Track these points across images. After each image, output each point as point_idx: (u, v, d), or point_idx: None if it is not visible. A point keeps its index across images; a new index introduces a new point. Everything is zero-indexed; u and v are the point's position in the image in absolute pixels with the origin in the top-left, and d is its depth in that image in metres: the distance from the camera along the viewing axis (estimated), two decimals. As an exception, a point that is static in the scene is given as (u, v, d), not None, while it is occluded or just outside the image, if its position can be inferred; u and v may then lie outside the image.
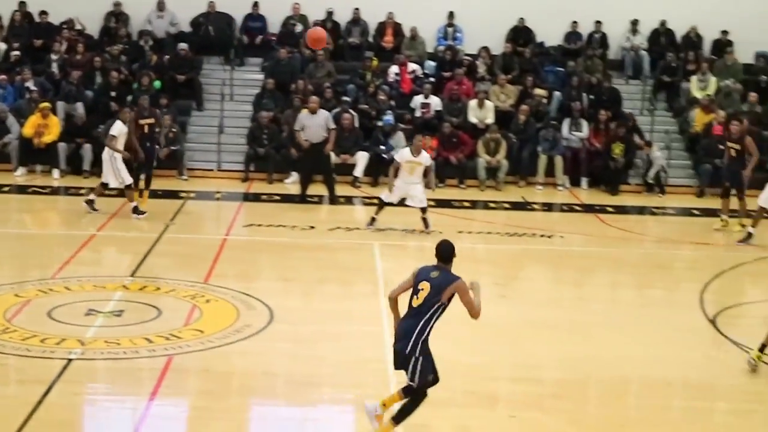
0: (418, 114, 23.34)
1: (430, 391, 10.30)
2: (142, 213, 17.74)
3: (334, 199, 20.05)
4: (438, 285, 8.66)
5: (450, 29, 25.90)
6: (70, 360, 10.78)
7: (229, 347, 11.48)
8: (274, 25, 25.87)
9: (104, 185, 17.99)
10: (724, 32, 25.89)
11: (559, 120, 23.31)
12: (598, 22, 26.03)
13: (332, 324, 12.62)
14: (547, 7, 25.72)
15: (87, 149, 21.79)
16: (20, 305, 12.64)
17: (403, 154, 17.58)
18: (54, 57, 24.02)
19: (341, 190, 20.58)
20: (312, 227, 17.87)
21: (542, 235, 18.00)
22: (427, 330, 8.72)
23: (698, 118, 23.49)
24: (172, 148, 21.56)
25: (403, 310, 8.86)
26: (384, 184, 21.88)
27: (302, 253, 16.30)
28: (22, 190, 20.84)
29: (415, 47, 25.39)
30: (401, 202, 17.68)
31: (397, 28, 25.68)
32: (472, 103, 23.31)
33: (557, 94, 24.20)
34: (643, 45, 26.02)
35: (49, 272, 14.22)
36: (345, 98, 23.19)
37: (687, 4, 26.03)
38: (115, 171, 17.65)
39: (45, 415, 9.38)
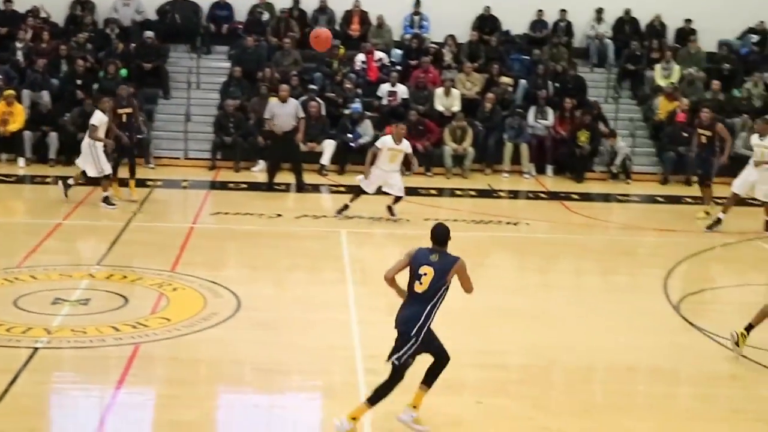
0: (384, 102, 23.33)
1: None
2: (113, 204, 17.63)
3: (301, 187, 20.02)
4: (441, 268, 8.70)
5: (416, 18, 25.89)
6: (36, 349, 10.72)
7: (197, 335, 11.45)
8: (240, 13, 25.77)
9: (84, 174, 17.87)
10: (688, 21, 26.01)
11: (525, 108, 23.36)
12: (563, 11, 26.10)
13: (299, 311, 12.61)
14: (513, -4, 25.81)
15: (53, 137, 21.64)
16: (-14, 294, 12.57)
17: (384, 142, 17.51)
18: (19, 45, 23.81)
19: (308, 178, 20.55)
20: (279, 215, 17.84)
21: (508, 223, 18.04)
22: (434, 314, 8.77)
23: (662, 106, 23.61)
24: (138, 136, 21.40)
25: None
26: (351, 171, 21.93)
27: (269, 240, 16.27)
28: (-13, 178, 20.71)
29: (381, 35, 25.36)
30: (378, 190, 17.65)
31: (364, 17, 25.64)
32: (439, 91, 23.32)
33: (523, 82, 24.25)
34: (608, 33, 26.10)
35: (15, 261, 14.11)
36: (312, 86, 23.14)
37: (651, -7, 26.18)
38: (94, 160, 17.53)
39: (11, 404, 9.33)
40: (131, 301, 12.50)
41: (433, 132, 22.48)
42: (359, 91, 23.44)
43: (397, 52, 25.02)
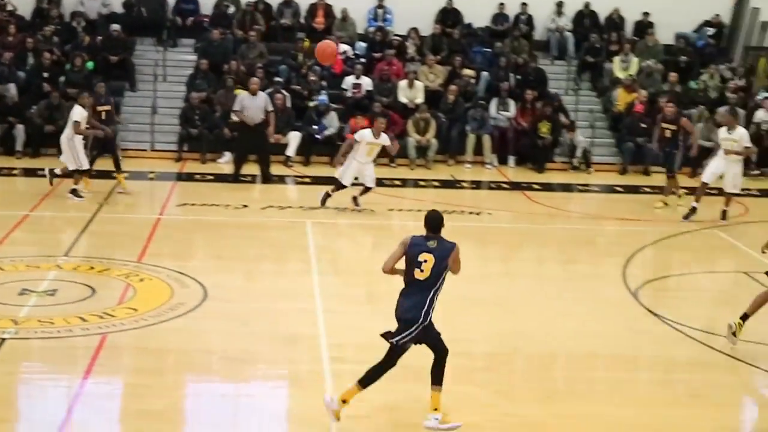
0: (349, 94, 23.27)
1: (362, 365, 10.28)
2: (81, 197, 17.48)
3: (267, 179, 19.93)
4: (441, 254, 8.72)
5: (380, 11, 25.83)
6: (3, 339, 10.63)
7: (164, 325, 11.39)
8: (206, 6, 25.59)
9: (76, 170, 17.80)
10: (646, 14, 26.10)
11: (487, 100, 23.37)
12: (524, 4, 26.11)
13: (266, 301, 12.58)
14: (475, -11, 25.80)
15: (19, 130, 21.43)
16: (-47, 286, 12.44)
17: (364, 135, 17.46)
18: (-15, 38, 23.56)
19: (273, 169, 20.44)
20: (245, 206, 17.76)
21: (471, 212, 18.05)
22: (436, 299, 8.77)
23: (621, 98, 23.69)
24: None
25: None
26: (317, 163, 21.90)
27: (236, 231, 16.20)
28: (-46, 170, 20.49)
29: (345, 28, 25.29)
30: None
31: (328, 10, 25.54)
32: (402, 83, 23.29)
33: (485, 74, 24.26)
34: (568, 26, 26.15)
35: (-17, 252, 13.99)
36: (277, 79, 23.05)
37: (610, -13, 26.25)
38: (73, 154, 17.39)
39: (-21, 394, 9.25)
40: (98, 292, 12.41)
41: (396, 123, 22.44)
42: (324, 83, 23.37)
43: (362, 45, 24.97)
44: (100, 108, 18.33)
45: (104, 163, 18.66)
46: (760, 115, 22.75)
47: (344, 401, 8.77)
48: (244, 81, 22.32)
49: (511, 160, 22.83)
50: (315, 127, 22.16)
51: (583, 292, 13.67)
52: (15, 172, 19.76)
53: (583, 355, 11.26)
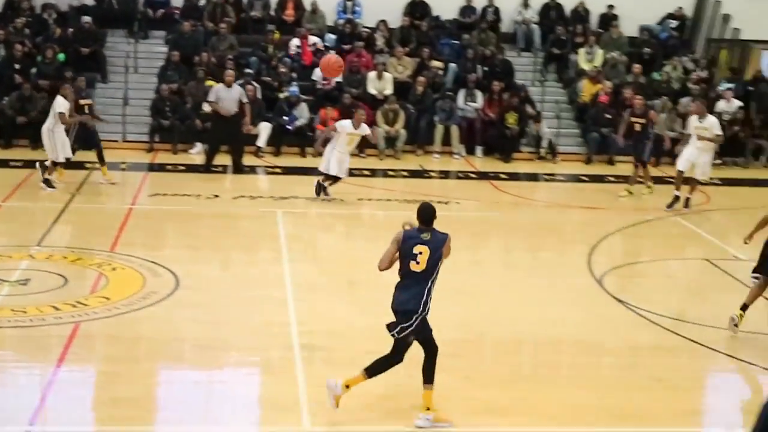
0: (319, 86, 23.26)
1: (333, 352, 10.39)
2: (53, 187, 17.40)
3: (238, 169, 19.92)
4: (435, 245, 8.73)
5: (349, 3, 25.79)
6: (-23, 329, 10.59)
7: (136, 313, 11.38)
8: (177, -2, 25.52)
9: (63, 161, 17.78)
10: (610, 6, 26.19)
11: (455, 91, 23.42)
12: (492, -3, 26.18)
13: (237, 290, 12.59)
14: (443, -18, 25.81)
15: (-9, 121, 21.32)
16: (-74, 276, 12.37)
17: (344, 126, 17.47)
18: (-43, 30, 23.37)
19: (244, 159, 20.39)
20: (216, 196, 17.73)
21: (439, 202, 18.01)
22: (433, 289, 8.78)
23: (586, 89, 23.80)
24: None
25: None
26: (287, 153, 21.88)
27: (207, 221, 16.19)
28: (-74, 162, 20.33)
29: (315, 21, 25.25)
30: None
31: (298, 2, 25.47)
32: (371, 74, 23.29)
33: (453, 65, 24.29)
34: (534, 19, 26.21)
35: (-45, 243, 13.92)
36: (248, 70, 22.99)
37: (575, -20, 26.33)
38: (53, 145, 17.33)
39: (-47, 383, 9.22)
40: (71, 281, 12.38)
41: (366, 114, 22.42)
42: (294, 75, 23.35)
43: (331, 37, 24.94)
44: (82, 102, 18.36)
45: (78, 155, 18.59)
46: (721, 105, 22.91)
47: (348, 386, 8.77)
48: (215, 73, 22.29)
49: (479, 150, 22.90)
50: (286, 118, 22.14)
51: (548, 279, 13.75)
52: (-13, 163, 19.65)
53: (549, 340, 11.34)
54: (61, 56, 22.84)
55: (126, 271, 12.92)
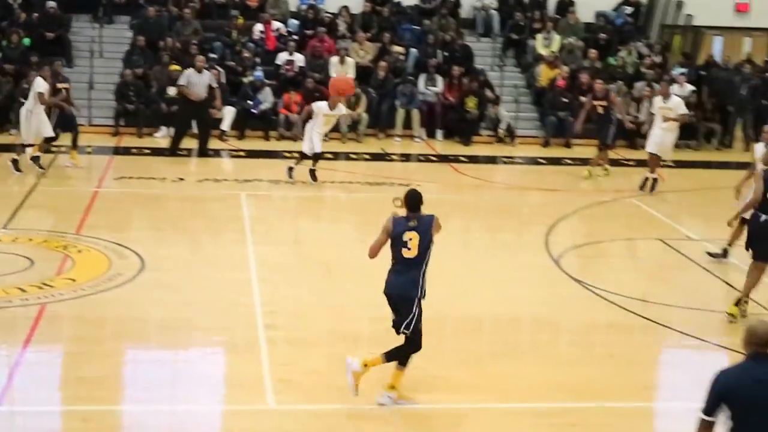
0: (282, 70, 23.16)
1: (296, 332, 10.38)
2: (20, 171, 17.25)
3: (203, 152, 19.83)
4: (423, 229, 8.72)
5: (312, -11, 25.70)
6: (-57, 311, 10.49)
7: (102, 295, 11.32)
8: (141, -16, 25.27)
9: (46, 140, 17.52)
10: (567, -7, 26.30)
11: (416, 75, 23.40)
12: (451, -17, 26.15)
13: (202, 271, 12.55)
14: (404, -31, 25.76)
15: (-43, 105, 21.07)
16: None
17: (320, 107, 17.40)
18: None
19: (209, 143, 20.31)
20: (181, 179, 17.65)
21: (400, 184, 17.97)
22: (426, 272, 8.76)
23: (544, 74, 23.85)
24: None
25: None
26: (251, 137, 21.78)
27: (172, 204, 16.12)
28: None
29: (278, 6, 25.11)
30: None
31: (262, -12, 25.37)
32: (334, 59, 23.22)
33: (414, 51, 24.27)
34: (493, 5, 26.22)
35: None
36: (212, 55, 22.84)
37: (533, -33, 26.35)
38: (30, 126, 17.18)
39: None
40: (37, 263, 12.29)
41: (328, 98, 22.35)
42: (258, 59, 23.25)
43: (294, 23, 24.83)
44: (60, 85, 18.25)
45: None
46: (674, 89, 22.98)
47: (366, 365, 8.75)
48: (179, 57, 22.15)
49: (439, 133, 22.90)
50: (250, 102, 22.05)
51: (507, 259, 13.81)
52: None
53: (508, 319, 11.40)
54: (26, 41, 22.60)
55: (92, 253, 12.84)
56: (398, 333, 8.80)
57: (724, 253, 13.62)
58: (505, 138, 22.68)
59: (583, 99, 21.41)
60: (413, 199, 8.84)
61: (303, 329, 10.67)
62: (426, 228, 8.71)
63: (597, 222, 16.53)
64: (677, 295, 12.51)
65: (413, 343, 8.80)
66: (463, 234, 15.61)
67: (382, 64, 23.18)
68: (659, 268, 14.04)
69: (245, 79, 22.52)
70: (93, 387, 8.99)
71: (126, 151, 20.24)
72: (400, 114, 22.61)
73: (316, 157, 17.37)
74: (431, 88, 23.14)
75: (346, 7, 25.01)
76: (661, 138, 17.91)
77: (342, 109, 17.66)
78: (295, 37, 24.11)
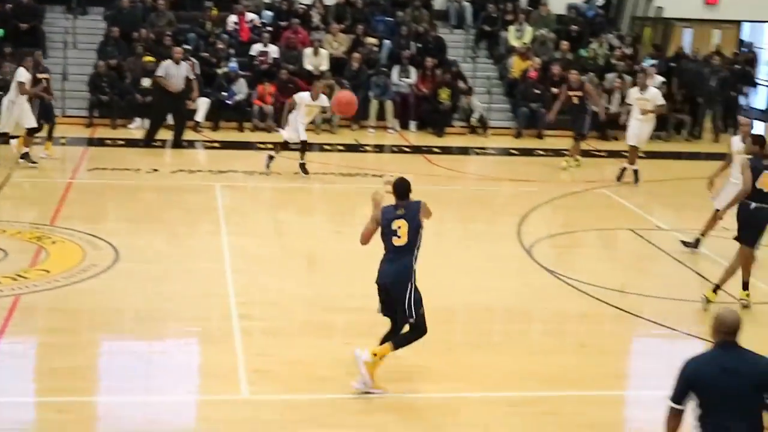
0: (256, 62, 23.07)
1: (270, 322, 10.36)
2: (34, 162, 17.17)
3: (178, 144, 19.75)
4: (411, 216, 8.79)
5: (285, -19, 25.60)
6: None
7: (76, 286, 11.25)
8: (115, -25, 25.09)
9: (30, 131, 17.36)
10: (539, -15, 26.32)
11: (389, 67, 23.37)
12: (424, -25, 26.11)
13: (176, 262, 12.50)
14: (377, -39, 25.69)
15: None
16: None
17: (302, 98, 17.36)
18: None
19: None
20: (155, 170, 17.56)
21: (374, 175, 18.06)
22: (417, 258, 8.84)
23: (516, 65, 23.87)
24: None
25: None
26: (225, 128, 21.69)
27: (146, 195, 16.04)
28: None
29: (252, -2, 25.03)
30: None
31: (235, -21, 25.24)
32: (308, 51, 23.16)
33: (387, 42, 24.23)
34: (466, -3, 26.26)
35: None
36: (186, 46, 22.70)
37: (505, -41, 26.34)
38: (9, 115, 17.04)
39: None
40: (11, 254, 12.20)
41: (302, 90, 22.31)
42: (232, 51, 23.14)
43: (268, 14, 24.73)
44: (40, 75, 18.12)
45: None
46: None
47: (375, 354, 8.74)
48: (153, 49, 22.02)
49: (413, 124, 22.88)
50: (225, 93, 21.95)
51: (480, 249, 13.82)
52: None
53: (481, 309, 11.42)
54: (0, 32, 22.40)
55: (66, 244, 12.76)
56: (407, 321, 8.81)
57: (696, 243, 13.68)
58: (477, 129, 22.70)
59: (555, 90, 21.51)
60: (401, 188, 8.92)
61: (278, 319, 10.65)
62: (414, 214, 8.76)
63: (569, 212, 16.57)
64: (648, 285, 12.57)
65: (418, 329, 8.84)
66: (436, 225, 15.50)
67: (356, 55, 23.14)
68: (630, 258, 14.10)
69: (219, 71, 22.41)
70: (68, 378, 8.94)
71: (100, 142, 20.10)
72: (374, 105, 22.58)
73: (303, 147, 17.33)
74: (404, 80, 23.12)
75: (319, -1, 24.95)
76: (638, 129, 17.96)
77: (324, 100, 17.60)
78: (269, 28, 24.01)
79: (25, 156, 17.22)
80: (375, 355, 8.73)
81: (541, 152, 21.01)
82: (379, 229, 8.93)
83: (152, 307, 10.81)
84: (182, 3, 24.71)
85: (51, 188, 16.07)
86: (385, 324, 10.49)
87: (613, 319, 11.22)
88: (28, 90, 17.15)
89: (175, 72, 19.65)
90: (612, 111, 22.38)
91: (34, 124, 17.35)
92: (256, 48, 23.19)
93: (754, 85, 27.23)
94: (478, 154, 21.25)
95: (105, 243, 12.80)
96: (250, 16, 24.07)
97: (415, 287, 8.83)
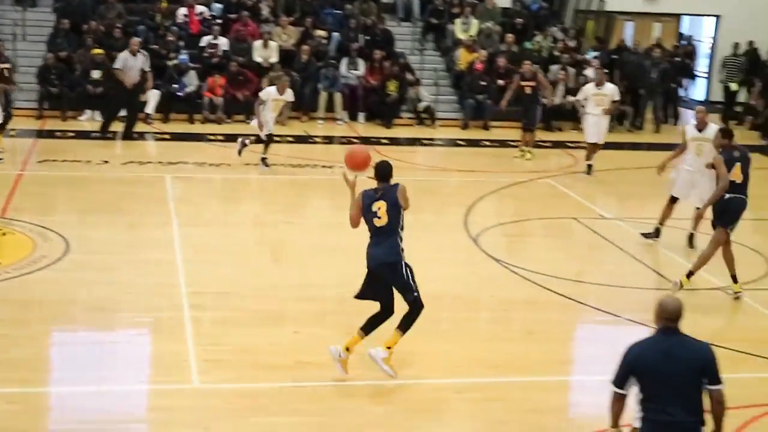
0: (206, 54, 22.90)
1: (221, 312, 10.31)
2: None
3: (128, 135, 19.55)
4: (389, 196, 8.82)
5: (235, -27, 25.42)
6: None
7: (26, 277, 11.11)
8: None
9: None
10: (485, -21, 26.37)
11: (338, 59, 23.31)
12: (372, -31, 26.07)
13: (127, 253, 12.37)
14: (325, -46, 25.60)
15: None
16: None
17: (269, 93, 17.22)
18: None
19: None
20: (106, 162, 17.38)
21: (323, 166, 18.07)
22: (402, 238, 8.86)
23: (462, 57, 23.92)
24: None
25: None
26: (175, 120, 21.51)
27: (97, 186, 15.86)
28: None
29: (202, -10, 24.83)
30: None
31: (185, -28, 25.02)
32: (257, 43, 23.03)
33: (336, 35, 24.18)
34: (413, -10, 26.25)
35: None
36: (136, 39, 22.48)
37: (452, -47, 26.37)
38: None
39: None
40: (-40, 247, 12.03)
41: (252, 82, 22.22)
42: (182, 43, 22.95)
43: (218, 7, 24.56)
44: (0, 66, 17.80)
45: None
46: (588, 73, 23.25)
47: (389, 347, 8.79)
48: (103, 41, 21.79)
49: (361, 116, 22.85)
50: (176, 85, 21.77)
51: (428, 239, 13.80)
52: None
53: (428, 297, 11.29)
54: (-52, 24, 22.07)
55: (16, 236, 12.59)
56: (411, 299, 8.84)
57: (657, 233, 13.75)
58: (425, 120, 22.72)
59: (501, 82, 21.59)
60: (381, 169, 9.00)
61: (228, 309, 10.59)
62: (392, 195, 8.83)
63: (514, 202, 16.66)
64: (592, 273, 12.67)
65: (417, 305, 8.86)
66: (385, 214, 15.59)
67: (305, 47, 23.05)
68: (574, 246, 14.20)
69: (170, 63, 22.22)
70: (18, 369, 8.83)
71: (50, 134, 19.85)
72: (323, 97, 22.52)
73: (269, 141, 17.24)
74: (353, 72, 23.07)
75: (269, -9, 24.80)
76: (596, 126, 18.03)
77: (290, 94, 17.49)
78: (219, 20, 23.85)
79: None
80: (389, 348, 8.79)
81: (488, 143, 21.08)
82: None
83: (103, 297, 10.70)
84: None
85: (0, 180, 15.82)
86: (334, 312, 10.52)
87: (558, 306, 11.28)
88: None
89: (133, 64, 19.49)
90: (556, 102, 22.51)
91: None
92: (206, 40, 23.02)
93: (693, 77, 27.52)
94: (425, 145, 21.26)
95: (55, 234, 12.65)
96: (199, 8, 23.89)
97: (407, 264, 8.79)
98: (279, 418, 8.28)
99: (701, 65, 28.79)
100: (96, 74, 20.87)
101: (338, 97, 22.56)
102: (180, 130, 20.63)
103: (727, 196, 11.33)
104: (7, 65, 18.24)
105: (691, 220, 13.49)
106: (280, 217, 15.03)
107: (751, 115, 24.31)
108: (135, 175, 16.63)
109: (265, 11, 24.42)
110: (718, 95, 26.17)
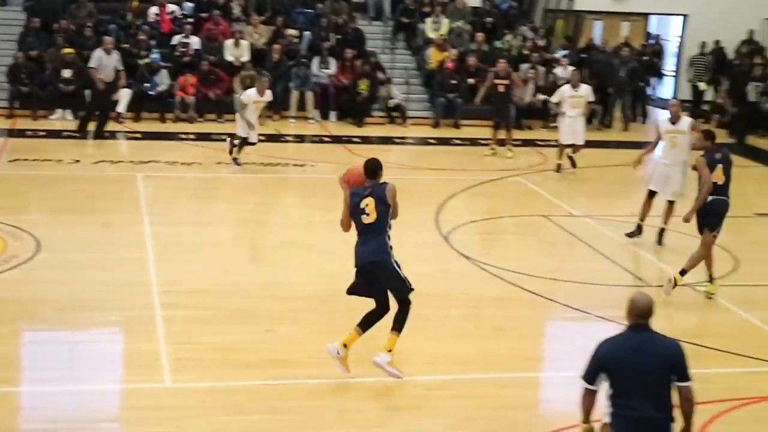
0: (177, 53, 22.79)
1: (193, 311, 10.27)
2: None
3: (100, 135, 19.43)
4: (378, 194, 8.71)
5: (206, -28, 25.31)
6: None
7: (-3, 277, 11.02)
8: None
9: None
10: (455, -22, 26.39)
11: (309, 58, 23.27)
12: (343, -32, 26.02)
13: (99, 251, 12.30)
14: (296, -47, 25.55)
15: None
16: None
17: (250, 96, 17.11)
18: None
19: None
20: (77, 161, 17.27)
21: (295, 165, 18.04)
22: (390, 236, 8.77)
23: (433, 56, 23.93)
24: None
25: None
26: (147, 119, 21.40)
27: (68, 185, 15.75)
28: None
29: (173, -11, 24.71)
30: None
31: (156, -29, 24.88)
32: (228, 42, 22.95)
33: (307, 33, 24.13)
34: (384, -11, 26.24)
35: None
36: (109, 37, 22.34)
37: (422, -47, 26.37)
38: None
39: None
40: (-69, 247, 11.91)
41: (223, 81, 22.14)
42: (153, 42, 22.83)
43: (189, 5, 24.45)
44: None
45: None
46: (557, 71, 23.35)
47: (390, 351, 8.76)
48: (73, 40, 21.64)
49: (333, 115, 22.82)
50: (147, 84, 21.65)
51: (399, 236, 13.71)
52: None
53: (400, 294, 11.40)
54: None
55: (-13, 235, 12.49)
56: (403, 296, 8.85)
57: (639, 230, 13.77)
58: (396, 119, 22.71)
59: (471, 81, 21.62)
60: (370, 166, 8.89)
61: (200, 308, 10.54)
62: (381, 192, 8.74)
63: (485, 200, 16.68)
64: (561, 270, 12.71)
65: (406, 302, 8.88)
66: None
67: (276, 46, 22.99)
68: (544, 243, 14.23)
69: (141, 62, 22.09)
70: (-11, 369, 8.76)
71: (21, 133, 19.69)
72: (295, 96, 22.47)
73: (243, 143, 17.17)
74: (324, 71, 23.03)
75: (240, -9, 24.72)
76: (572, 127, 18.04)
77: (269, 95, 17.42)
78: (190, 19, 23.75)
79: None
80: (390, 351, 8.78)
81: (458, 141, 21.11)
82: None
83: (75, 297, 10.63)
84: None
85: (-29, 179, 15.72)
86: (307, 310, 10.50)
87: (527, 303, 11.30)
88: None
89: (107, 62, 19.39)
90: (526, 101, 22.58)
91: None
92: (177, 39, 22.92)
93: (661, 76, 27.70)
94: (397, 143, 21.26)
95: (26, 234, 12.56)
96: (170, 7, 23.78)
97: (396, 262, 8.81)
98: (251, 417, 8.25)
99: (669, 64, 29.00)
100: (67, 73, 20.75)
101: (310, 96, 22.52)
102: (151, 129, 20.53)
103: (710, 198, 11.38)
104: None
105: (662, 215, 13.56)
106: (252, 215, 15.00)
107: (718, 113, 24.46)
108: (106, 174, 16.54)
109: (237, 10, 24.34)
110: (685, 94, 26.31)
